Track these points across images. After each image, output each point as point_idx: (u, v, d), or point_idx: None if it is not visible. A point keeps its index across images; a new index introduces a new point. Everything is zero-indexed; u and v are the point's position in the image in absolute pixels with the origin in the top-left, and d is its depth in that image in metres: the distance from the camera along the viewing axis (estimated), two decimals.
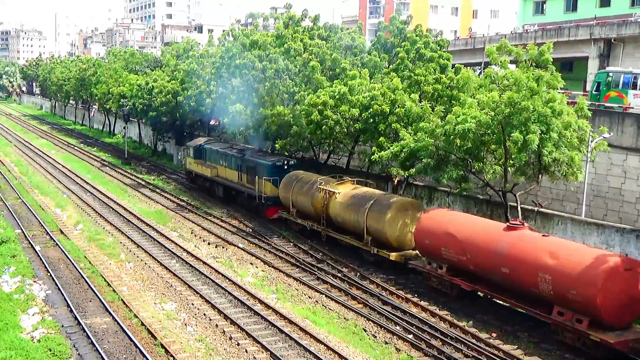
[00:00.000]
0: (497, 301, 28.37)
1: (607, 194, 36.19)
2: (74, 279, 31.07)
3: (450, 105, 35.74)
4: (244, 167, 46.60)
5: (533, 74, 29.45)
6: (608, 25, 56.15)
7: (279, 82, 44.92)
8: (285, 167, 43.54)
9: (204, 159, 53.14)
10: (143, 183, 58.76)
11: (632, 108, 39.42)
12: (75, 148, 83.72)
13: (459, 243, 28.33)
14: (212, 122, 65.41)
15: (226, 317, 26.77)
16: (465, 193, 33.89)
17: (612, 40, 56.11)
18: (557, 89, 30.26)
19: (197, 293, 29.63)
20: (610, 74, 42.78)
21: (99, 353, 22.92)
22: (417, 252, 32.13)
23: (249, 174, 45.85)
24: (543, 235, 26.45)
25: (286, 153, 47.64)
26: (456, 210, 34.68)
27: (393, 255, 32.63)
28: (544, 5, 70.63)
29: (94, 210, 46.62)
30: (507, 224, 27.68)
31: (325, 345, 24.22)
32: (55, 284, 29.98)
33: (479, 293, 29.14)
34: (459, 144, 30.58)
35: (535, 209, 33.47)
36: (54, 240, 37.36)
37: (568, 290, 23.50)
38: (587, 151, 30.87)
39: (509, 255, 25.87)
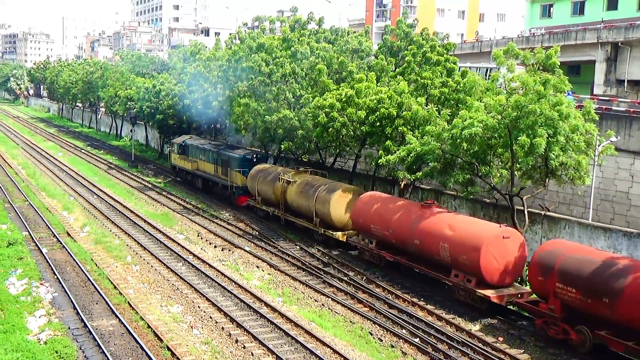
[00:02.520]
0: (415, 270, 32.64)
1: (614, 197, 36.07)
2: (81, 281, 31.14)
3: (456, 108, 35.68)
4: (219, 160, 51.33)
5: (540, 78, 29.40)
6: (615, 28, 56.00)
7: (285, 87, 44.94)
8: (254, 159, 48.68)
9: (186, 154, 58.15)
10: (149, 186, 58.87)
11: None
12: (82, 151, 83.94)
13: (384, 221, 33.33)
14: (218, 125, 65.51)
15: (232, 320, 26.78)
16: (471, 197, 33.85)
17: (620, 44, 55.93)
18: (564, 92, 30.18)
19: (203, 296, 29.65)
20: None
21: (105, 355, 22.95)
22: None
23: (223, 167, 50.76)
24: (448, 212, 31.64)
25: (292, 156, 48.20)
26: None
27: (337, 235, 37.32)
28: (551, 8, 70.50)
29: (101, 212, 46.73)
30: (421, 203, 32.65)
31: (331, 348, 24.20)
32: (62, 286, 30.05)
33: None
34: (465, 148, 30.51)
35: (542, 212, 33.39)
36: (61, 243, 37.45)
37: (460, 256, 28.59)
38: (595, 155, 30.78)
39: (419, 229, 30.97)
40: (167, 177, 62.16)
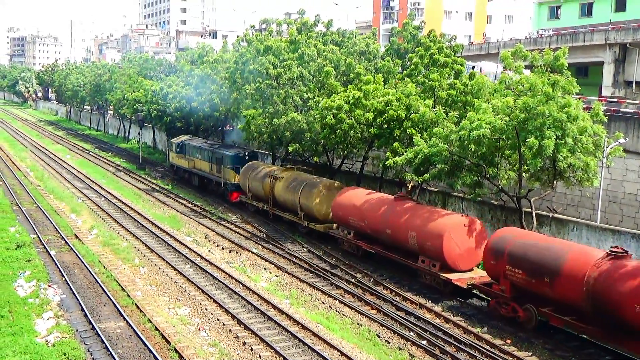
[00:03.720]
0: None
1: (623, 199, 35.93)
2: (89, 283, 31.20)
3: (464, 110, 35.63)
4: (214, 158, 54.02)
5: (548, 79, 29.32)
6: (623, 30, 55.82)
7: (292, 91, 44.96)
8: (246, 157, 51.18)
9: (184, 153, 60.64)
10: (157, 188, 58.98)
11: None
12: (90, 153, 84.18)
13: (360, 213, 35.68)
14: (226, 128, 65.63)
15: (240, 322, 26.77)
16: (479, 199, 33.78)
17: (628, 45, 55.75)
18: (573, 94, 30.10)
19: (211, 298, 29.65)
20: None
21: (113, 358, 22.97)
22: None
23: (217, 165, 53.45)
24: (417, 204, 34.17)
25: (300, 158, 48.38)
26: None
27: (320, 227, 39.83)
28: (559, 10, 70.33)
29: (109, 215, 46.83)
30: (394, 196, 34.97)
31: (338, 350, 24.15)
32: (70, 288, 30.10)
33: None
34: (473, 150, 30.46)
35: (550, 214, 33.29)
36: (69, 245, 37.54)
37: (426, 243, 31.09)
38: (603, 157, 30.68)
39: (390, 220, 33.44)
40: (174, 179, 62.69)
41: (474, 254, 30.54)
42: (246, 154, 51.84)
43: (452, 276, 30.02)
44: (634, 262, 23.53)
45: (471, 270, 30.81)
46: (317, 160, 48.09)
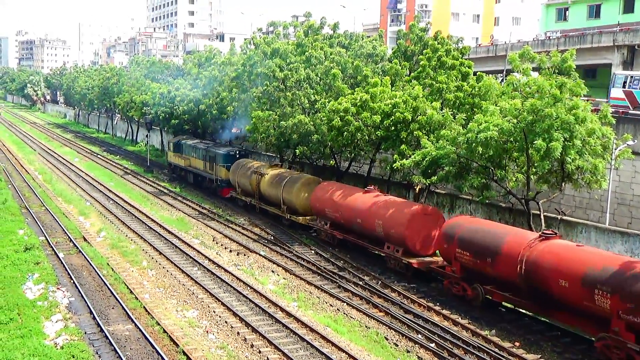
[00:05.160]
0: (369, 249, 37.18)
1: (632, 201, 35.80)
2: (97, 286, 31.28)
3: (472, 112, 35.58)
4: (207, 156, 56.92)
5: (556, 81, 29.25)
6: (632, 31, 55.62)
7: (299, 92, 44.99)
8: (237, 155, 54.18)
9: (180, 152, 63.72)
10: (165, 191, 59.11)
11: None
12: (98, 156, 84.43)
13: (335, 205, 38.50)
14: (233, 130, 65.68)
15: (247, 325, 26.79)
16: (487, 201, 33.72)
17: (636, 47, 55.55)
18: (581, 96, 30.02)
19: (219, 300, 29.69)
20: None
21: None
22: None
23: (210, 162, 56.42)
24: (385, 195, 36.78)
25: (307, 161, 48.53)
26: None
27: (301, 219, 42.42)
28: (567, 11, 70.16)
29: (117, 217, 46.95)
30: (363, 189, 38.07)
31: (346, 353, 24.15)
32: (79, 291, 30.19)
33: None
34: (480, 152, 30.42)
35: (559, 217, 33.19)
36: (77, 248, 37.64)
37: (390, 230, 33.81)
38: (611, 159, 30.57)
39: (361, 210, 36.28)
40: (182, 182, 62.96)
41: (433, 240, 33.08)
42: (237, 152, 55.04)
43: (413, 260, 32.78)
44: (562, 242, 26.48)
45: (432, 255, 33.43)
46: (325, 163, 48.11)
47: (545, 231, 27.22)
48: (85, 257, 35.64)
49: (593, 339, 24.50)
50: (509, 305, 28.90)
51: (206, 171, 57.48)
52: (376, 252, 36.24)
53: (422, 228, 33.04)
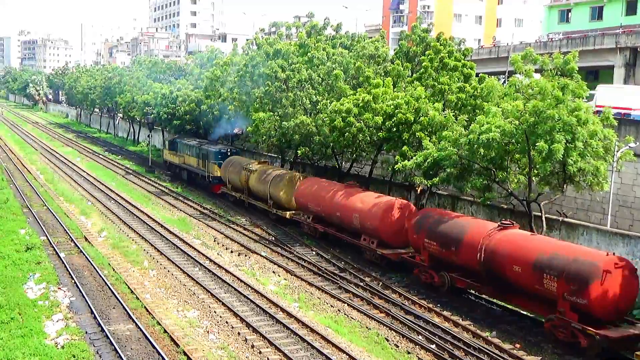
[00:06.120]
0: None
1: (633, 204, 35.74)
2: (98, 285, 31.29)
3: (474, 114, 35.55)
4: (200, 154, 59.05)
5: (558, 83, 29.22)
6: (634, 33, 55.65)
7: (301, 93, 44.99)
8: (228, 153, 56.38)
9: (176, 150, 65.74)
10: (166, 191, 59.13)
11: None
12: (100, 156, 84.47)
13: (317, 199, 40.44)
14: (235, 130, 65.72)
15: (248, 325, 26.78)
16: (489, 202, 33.67)
17: (639, 49, 55.54)
18: (583, 98, 29.97)
19: (220, 301, 29.69)
20: None
21: None
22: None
23: (203, 160, 58.46)
24: (364, 190, 38.62)
25: (309, 162, 48.61)
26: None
27: (286, 214, 44.35)
28: (569, 13, 70.17)
29: (118, 217, 46.96)
30: (344, 184, 40.12)
31: (347, 354, 24.14)
32: (80, 290, 30.20)
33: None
34: (482, 153, 30.38)
35: (560, 219, 33.15)
36: (79, 247, 37.65)
37: (366, 223, 35.72)
38: (613, 161, 30.52)
39: (340, 204, 38.24)
40: (183, 182, 63.06)
41: (406, 232, 34.33)
42: (228, 150, 57.60)
43: (386, 251, 34.72)
44: (518, 232, 28.43)
45: (405, 247, 34.89)
46: (327, 164, 48.09)
47: (503, 221, 29.32)
48: (86, 257, 35.65)
49: (543, 320, 26.49)
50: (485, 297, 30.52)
51: (199, 168, 59.36)
52: (353, 244, 37.73)
53: (396, 220, 34.84)
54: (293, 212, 44.31)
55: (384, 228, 34.80)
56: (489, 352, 24.55)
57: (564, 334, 24.94)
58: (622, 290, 24.12)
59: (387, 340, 25.98)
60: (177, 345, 24.30)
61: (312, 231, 41.80)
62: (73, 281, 31.61)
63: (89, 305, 28.25)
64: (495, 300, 30.01)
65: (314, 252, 38.51)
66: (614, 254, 25.40)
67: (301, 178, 45.04)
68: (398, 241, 34.88)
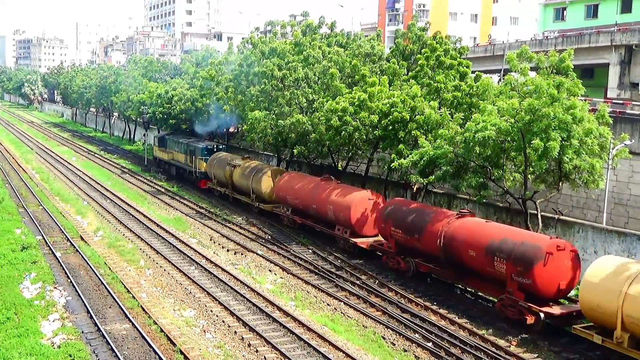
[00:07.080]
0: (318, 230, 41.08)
1: (629, 201, 35.84)
2: (94, 285, 31.24)
3: (469, 112, 35.59)
4: (188, 150, 60.61)
5: (554, 81, 29.26)
6: (629, 31, 55.71)
7: (297, 91, 44.97)
8: (215, 149, 58.26)
9: (165, 147, 67.56)
10: (162, 190, 59.07)
11: None
12: (96, 155, 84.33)
13: (295, 192, 42.44)
14: (231, 129, 65.70)
15: (245, 324, 26.78)
16: (484, 200, 33.74)
17: (634, 47, 55.64)
18: (578, 95, 30.03)
19: (216, 300, 29.67)
20: None
21: (119, 359, 23.01)
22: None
23: (190, 156, 60.19)
24: (338, 183, 40.42)
25: (305, 160, 48.64)
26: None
27: (267, 206, 46.71)
28: (565, 11, 70.23)
29: (114, 217, 46.91)
30: (320, 177, 41.75)
31: (344, 352, 24.16)
32: (76, 290, 30.15)
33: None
34: (478, 152, 30.43)
35: (556, 216, 33.22)
36: (75, 247, 37.59)
37: (339, 214, 37.84)
38: (609, 158, 30.60)
39: (316, 197, 40.22)
40: (179, 181, 63.01)
41: (375, 222, 36.61)
42: (215, 146, 59.55)
43: (358, 240, 36.88)
44: (474, 219, 30.67)
45: (376, 235, 37.07)
46: (323, 162, 48.07)
47: (461, 210, 31.72)
48: (82, 257, 35.59)
49: (495, 299, 28.60)
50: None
51: (187, 164, 60.97)
52: (328, 234, 39.75)
53: (367, 211, 37.15)
54: (274, 205, 46.12)
55: (356, 218, 36.96)
56: (485, 350, 24.59)
57: (512, 312, 26.98)
58: (563, 271, 26.08)
59: (384, 338, 26.01)
60: (174, 344, 24.28)
61: (291, 223, 43.82)
62: (69, 280, 31.56)
63: (85, 304, 28.21)
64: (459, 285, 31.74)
65: (310, 251, 38.52)
66: (557, 237, 27.90)
67: (281, 173, 46.75)
68: (369, 230, 37.23)
